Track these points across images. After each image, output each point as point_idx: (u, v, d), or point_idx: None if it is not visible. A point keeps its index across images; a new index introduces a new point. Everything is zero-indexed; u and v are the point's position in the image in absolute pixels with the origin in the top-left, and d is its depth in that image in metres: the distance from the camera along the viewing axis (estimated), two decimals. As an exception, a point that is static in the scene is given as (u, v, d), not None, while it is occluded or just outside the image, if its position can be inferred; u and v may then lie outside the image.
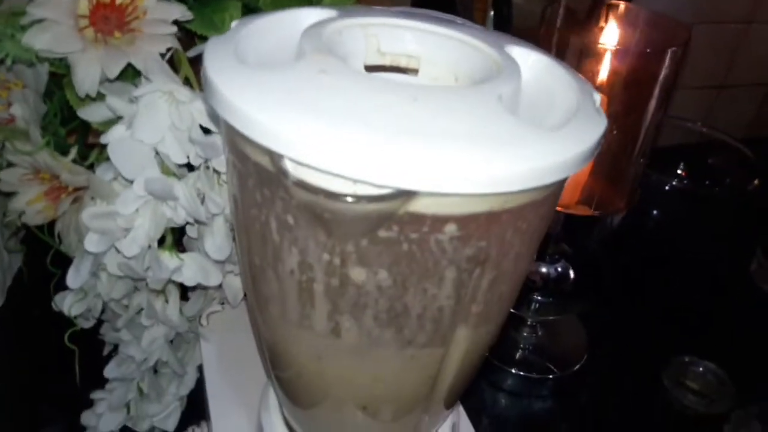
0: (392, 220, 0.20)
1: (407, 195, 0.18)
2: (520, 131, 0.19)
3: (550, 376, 0.56)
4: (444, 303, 0.23)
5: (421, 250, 0.21)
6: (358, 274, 0.22)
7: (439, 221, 0.20)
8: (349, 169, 0.18)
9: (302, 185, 0.18)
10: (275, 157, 0.19)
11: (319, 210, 0.19)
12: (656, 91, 0.47)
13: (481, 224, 0.20)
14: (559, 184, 0.22)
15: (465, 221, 0.20)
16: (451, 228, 0.20)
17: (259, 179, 0.21)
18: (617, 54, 0.45)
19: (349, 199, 0.18)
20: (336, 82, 0.20)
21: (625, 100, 0.48)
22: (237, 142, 0.21)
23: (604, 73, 0.46)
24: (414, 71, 0.26)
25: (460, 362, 0.26)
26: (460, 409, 0.39)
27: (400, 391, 0.27)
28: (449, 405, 0.31)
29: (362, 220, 0.19)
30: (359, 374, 0.26)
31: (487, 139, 0.19)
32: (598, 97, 0.23)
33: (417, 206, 0.19)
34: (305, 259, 0.22)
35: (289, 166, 0.19)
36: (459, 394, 0.31)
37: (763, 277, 0.68)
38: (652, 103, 0.47)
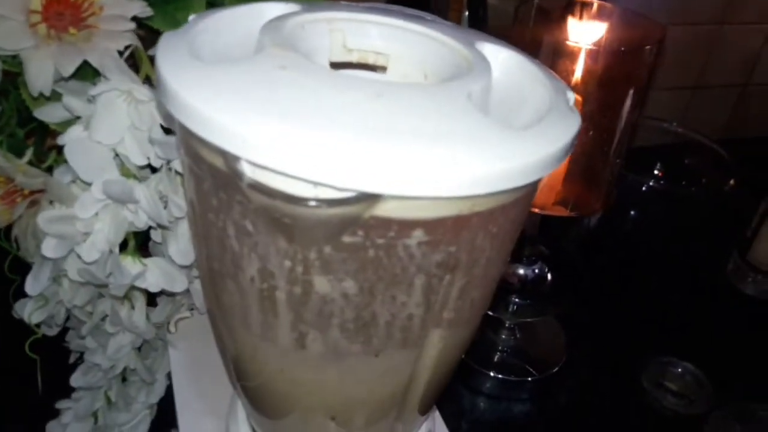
0: (356, 225, 0.19)
1: (371, 198, 0.17)
2: (491, 130, 0.18)
3: (529, 379, 0.55)
4: (414, 311, 0.22)
5: (388, 256, 0.20)
6: (321, 282, 0.20)
7: (406, 226, 0.19)
8: (309, 171, 0.17)
9: (259, 188, 0.17)
10: (230, 159, 0.17)
11: (278, 215, 0.18)
12: (631, 91, 0.46)
13: (450, 229, 0.19)
14: (532, 186, 0.21)
15: (433, 226, 0.19)
16: (418, 233, 0.19)
17: (215, 183, 0.20)
18: (591, 53, 0.44)
19: (310, 203, 0.17)
20: (296, 78, 0.19)
21: (600, 99, 0.47)
22: (191, 144, 0.20)
23: (578, 72, 0.46)
24: (382, 69, 0.25)
25: (432, 369, 0.25)
26: (436, 415, 0.38)
27: (370, 400, 0.26)
28: (423, 411, 0.30)
29: (324, 226, 0.18)
30: (327, 385, 0.25)
31: (455, 138, 0.18)
32: (571, 96, 0.22)
33: (382, 210, 0.18)
34: (266, 266, 0.21)
35: (246, 168, 0.17)
36: (433, 400, 0.30)
37: (739, 278, 0.68)
38: (628, 103, 0.47)
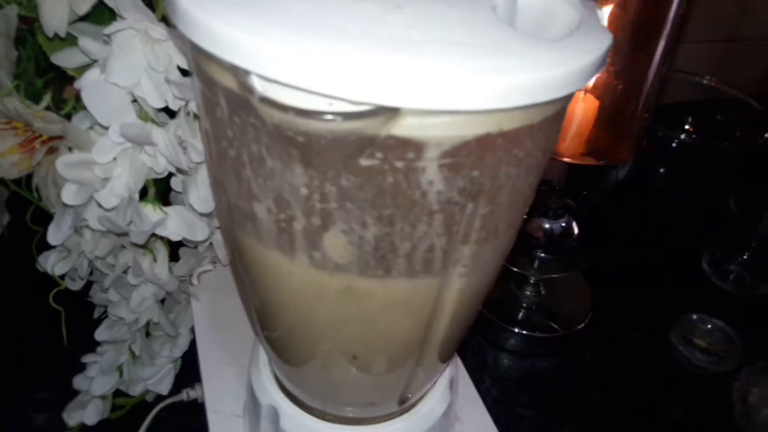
0: (374, 145, 0.18)
1: (390, 112, 0.16)
2: (518, 41, 0.17)
3: (554, 335, 0.54)
4: (435, 241, 0.21)
5: (407, 181, 0.19)
6: (339, 210, 0.20)
7: (426, 146, 0.18)
8: (322, 84, 0.16)
9: (270, 102, 0.16)
10: (240, 74, 0.17)
11: (291, 133, 0.17)
12: (664, 37, 0.45)
13: (473, 151, 0.18)
14: (560, 105, 0.20)
15: (455, 146, 0.18)
16: (439, 154, 0.18)
17: (228, 106, 0.19)
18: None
19: (325, 117, 0.16)
20: (309, -11, 0.18)
21: (630, 48, 0.45)
22: (203, 65, 0.19)
23: (610, 15, 0.44)
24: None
25: (453, 308, 0.24)
26: (459, 365, 0.37)
27: (391, 340, 0.25)
28: (444, 358, 0.29)
29: (340, 144, 0.17)
30: (347, 324, 0.24)
31: (479, 49, 0.17)
32: (602, 14, 0.21)
33: (401, 128, 0.17)
34: (282, 195, 0.20)
35: (257, 83, 0.17)
36: (454, 347, 0.29)
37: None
38: (658, 52, 0.45)
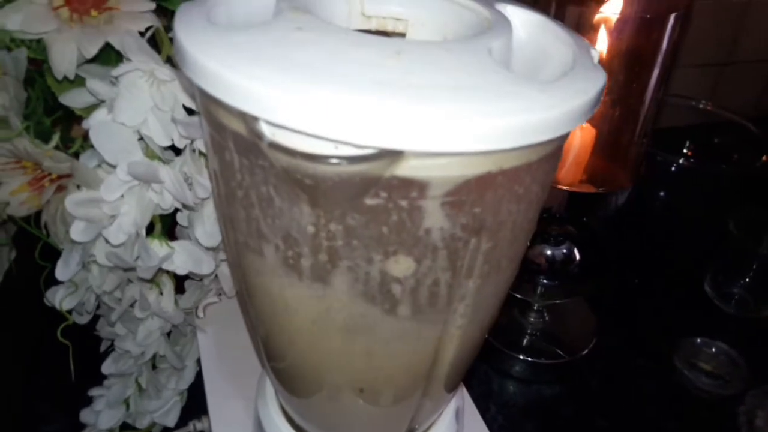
0: (378, 185, 0.18)
1: (393, 155, 0.17)
2: (514, 84, 0.18)
3: (559, 361, 0.55)
4: (439, 276, 0.21)
5: (411, 219, 0.19)
6: (345, 248, 0.20)
7: (428, 186, 0.19)
8: (328, 129, 0.16)
9: (279, 147, 0.17)
10: (249, 120, 0.17)
11: (299, 175, 0.18)
12: (658, 63, 0.45)
13: (474, 189, 0.19)
14: (557, 144, 0.21)
15: (456, 185, 0.19)
16: (441, 193, 0.19)
17: (236, 149, 0.20)
18: (616, 23, 0.43)
19: (331, 161, 0.17)
20: (313, 38, 0.18)
21: (625, 75, 0.46)
22: (212, 110, 0.20)
23: (603, 45, 0.45)
24: (401, 35, 0.25)
25: (459, 340, 0.25)
26: (465, 395, 0.37)
27: (397, 372, 0.26)
28: (450, 388, 0.30)
29: (346, 185, 0.18)
30: (354, 357, 0.25)
31: (477, 92, 0.17)
32: (595, 53, 0.22)
33: (404, 169, 0.18)
34: (290, 233, 0.21)
35: (265, 129, 0.17)
36: (460, 376, 0.30)
37: (774, 255, 0.66)
38: (654, 78, 0.46)
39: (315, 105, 0.16)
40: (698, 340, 0.58)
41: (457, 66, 0.18)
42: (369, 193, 0.19)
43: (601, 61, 0.46)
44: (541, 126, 0.17)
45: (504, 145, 0.17)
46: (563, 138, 0.21)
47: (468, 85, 0.17)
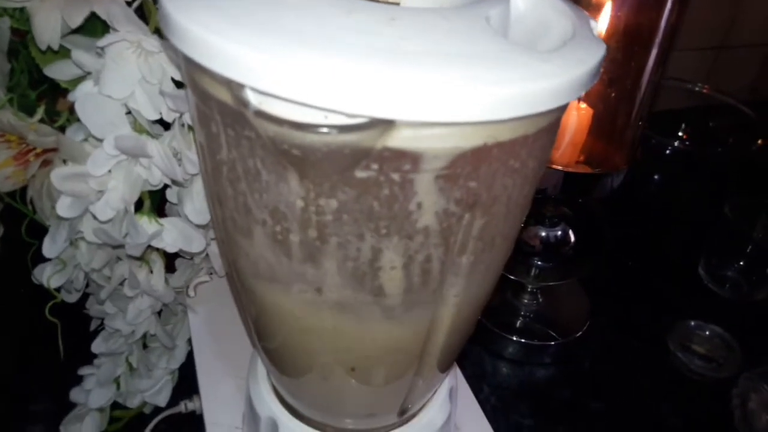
0: (370, 157, 0.18)
1: (384, 125, 0.16)
2: (512, 52, 0.17)
3: (552, 343, 0.54)
4: (432, 252, 0.21)
5: (403, 192, 0.19)
6: (335, 222, 0.20)
7: (421, 158, 0.18)
8: (317, 97, 0.16)
9: (265, 116, 0.16)
10: (235, 88, 0.17)
11: (287, 146, 0.17)
12: (656, 44, 0.45)
13: (469, 162, 0.18)
14: (554, 116, 0.20)
15: (451, 158, 0.18)
16: (434, 166, 0.18)
17: (222, 120, 0.19)
18: (616, 2, 0.43)
19: (320, 130, 0.16)
20: (304, 2, 0.18)
21: (623, 56, 0.46)
22: (197, 79, 0.19)
23: (603, 24, 0.44)
24: (395, 3, 0.24)
25: (452, 319, 0.24)
26: (458, 375, 0.37)
27: (389, 352, 0.25)
28: (444, 368, 0.29)
29: (336, 156, 0.17)
30: (345, 335, 0.24)
31: (473, 60, 0.17)
32: (595, 25, 0.21)
33: (396, 140, 0.17)
34: (278, 207, 0.20)
35: (252, 97, 0.17)
36: (453, 356, 0.29)
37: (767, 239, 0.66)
38: (651, 59, 0.45)
39: (304, 71, 0.16)
40: (692, 323, 0.58)
41: (453, 33, 0.17)
42: (360, 166, 0.18)
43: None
44: (539, 96, 0.17)
45: (500, 116, 0.16)
46: (561, 110, 0.20)
47: (464, 52, 0.17)
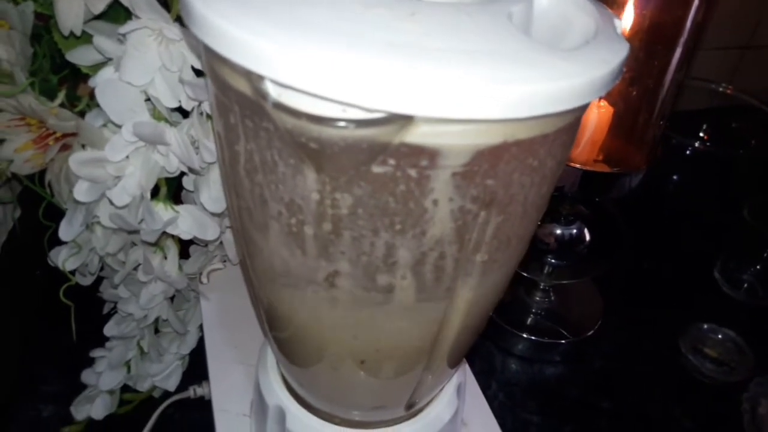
0: (387, 152, 0.18)
1: (403, 120, 0.16)
2: (534, 51, 0.17)
3: (563, 341, 0.54)
4: (446, 249, 0.21)
5: (419, 189, 0.19)
6: (350, 216, 0.20)
7: (438, 154, 0.18)
8: (336, 90, 0.16)
9: (284, 108, 0.16)
10: (254, 79, 0.17)
11: (304, 139, 0.17)
12: (681, 43, 0.44)
13: (487, 159, 0.18)
14: (574, 116, 0.20)
15: (469, 155, 0.18)
16: (452, 163, 0.18)
17: (241, 111, 0.19)
18: (641, 0, 0.42)
19: (338, 124, 0.16)
20: (325, -5, 0.18)
21: (646, 54, 0.45)
22: (217, 69, 0.19)
23: (627, 21, 0.44)
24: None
25: (463, 317, 0.24)
26: (467, 370, 0.37)
27: (400, 346, 0.25)
28: (453, 364, 0.29)
29: (353, 150, 0.17)
30: (357, 329, 0.24)
31: (494, 57, 0.16)
32: (619, 23, 0.21)
33: (414, 136, 0.17)
34: (293, 199, 0.20)
35: (271, 88, 0.17)
36: (463, 353, 0.29)
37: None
38: (675, 58, 0.45)
39: (323, 65, 0.15)
40: (705, 326, 0.58)
41: (474, 30, 0.17)
42: (377, 161, 0.18)
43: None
44: (560, 95, 0.16)
45: (520, 114, 0.16)
46: (581, 110, 0.20)
47: (485, 49, 0.17)
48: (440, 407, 0.32)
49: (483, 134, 0.18)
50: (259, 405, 0.34)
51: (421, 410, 0.32)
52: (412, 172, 0.18)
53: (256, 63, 0.16)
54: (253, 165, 0.20)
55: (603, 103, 0.45)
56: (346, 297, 0.23)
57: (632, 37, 0.44)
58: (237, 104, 0.19)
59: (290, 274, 0.23)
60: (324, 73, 0.16)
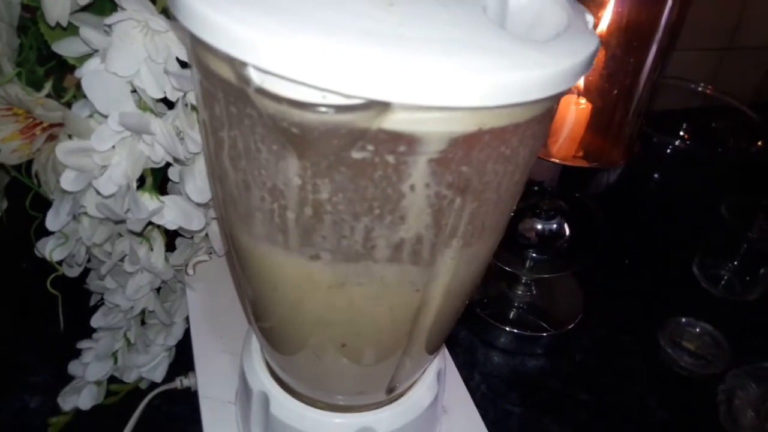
0: (365, 138, 0.18)
1: (380, 107, 0.17)
2: (507, 41, 0.18)
3: (544, 335, 0.55)
4: (423, 234, 0.22)
5: (397, 174, 0.20)
6: (330, 201, 0.20)
7: (415, 141, 0.19)
8: (316, 76, 0.16)
9: (266, 93, 0.17)
10: (237, 66, 0.17)
11: (286, 124, 0.18)
12: (656, 41, 0.45)
13: (461, 146, 0.19)
14: (546, 106, 0.21)
15: (444, 142, 0.19)
16: (428, 149, 0.19)
17: (225, 98, 0.20)
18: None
19: (318, 109, 0.17)
20: (306, -15, 0.18)
21: (623, 51, 0.46)
22: (201, 56, 0.20)
23: (604, 22, 0.45)
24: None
25: (439, 302, 0.25)
26: (447, 357, 0.38)
27: (378, 328, 0.26)
28: (431, 350, 0.30)
29: (333, 135, 0.18)
30: (337, 310, 0.25)
31: (469, 47, 0.17)
32: (590, 18, 0.21)
33: (392, 123, 0.18)
34: (276, 184, 0.21)
35: (253, 74, 0.17)
36: (441, 339, 0.30)
37: (764, 241, 0.67)
38: (650, 56, 0.46)
39: (303, 52, 0.16)
40: (683, 320, 0.59)
41: (449, 20, 0.18)
42: (356, 146, 0.19)
43: (600, 35, 0.46)
44: (531, 84, 0.17)
45: (492, 102, 0.17)
46: (553, 100, 0.21)
47: (459, 39, 0.17)
48: (420, 392, 0.33)
49: (458, 122, 0.18)
50: (244, 391, 0.35)
51: (402, 395, 0.33)
52: (390, 158, 0.19)
53: (240, 49, 0.17)
54: (237, 152, 0.21)
55: (582, 100, 0.46)
56: (327, 280, 0.23)
57: (609, 35, 0.45)
58: (221, 91, 0.20)
59: (273, 259, 0.24)
60: (304, 59, 0.16)
